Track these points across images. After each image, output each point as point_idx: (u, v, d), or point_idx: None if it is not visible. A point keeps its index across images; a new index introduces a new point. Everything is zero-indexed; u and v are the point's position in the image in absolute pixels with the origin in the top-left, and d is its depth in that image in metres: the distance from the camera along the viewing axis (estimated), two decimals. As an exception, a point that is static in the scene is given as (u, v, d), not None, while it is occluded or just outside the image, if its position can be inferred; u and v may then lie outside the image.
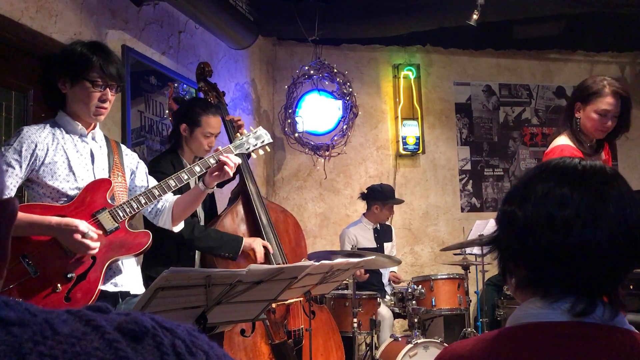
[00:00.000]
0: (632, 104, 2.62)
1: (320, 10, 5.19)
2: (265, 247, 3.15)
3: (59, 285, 2.05)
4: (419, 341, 3.95)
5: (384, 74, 6.29)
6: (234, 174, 2.76)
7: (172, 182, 2.33)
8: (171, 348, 0.46)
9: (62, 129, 2.25)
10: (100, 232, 2.14)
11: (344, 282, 3.90)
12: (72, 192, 2.17)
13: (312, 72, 5.88)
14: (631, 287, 3.82)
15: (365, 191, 5.08)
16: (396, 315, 4.70)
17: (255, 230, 3.25)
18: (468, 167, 6.41)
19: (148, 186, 2.45)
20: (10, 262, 1.98)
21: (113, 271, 2.23)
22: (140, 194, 2.26)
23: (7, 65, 3.02)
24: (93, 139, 2.32)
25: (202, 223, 3.23)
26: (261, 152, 2.69)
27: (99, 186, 2.21)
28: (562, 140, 2.64)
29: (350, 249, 4.61)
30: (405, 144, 6.09)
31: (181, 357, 0.46)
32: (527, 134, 6.57)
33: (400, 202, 5.22)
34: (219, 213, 3.39)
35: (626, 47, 6.64)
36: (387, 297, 4.79)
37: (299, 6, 5.17)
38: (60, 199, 2.16)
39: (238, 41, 4.84)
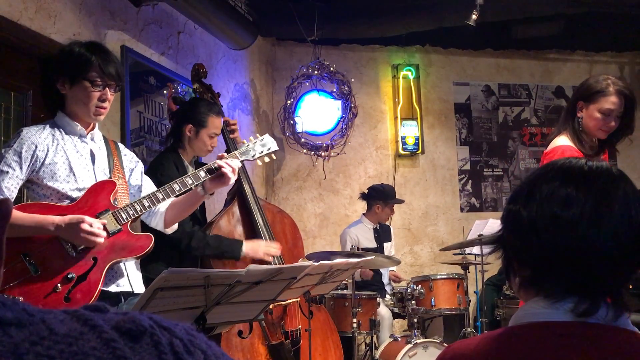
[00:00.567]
0: (635, 103, 2.61)
1: (320, 11, 5.19)
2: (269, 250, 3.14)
3: (59, 285, 2.04)
4: (418, 341, 3.95)
5: (383, 74, 6.29)
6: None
7: (176, 187, 2.32)
8: (169, 347, 0.46)
9: (61, 129, 2.24)
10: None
11: (344, 282, 3.90)
12: (72, 193, 2.17)
13: (311, 72, 5.88)
14: (631, 287, 3.82)
15: (366, 191, 5.08)
16: (396, 316, 4.70)
17: (251, 231, 3.24)
18: (467, 167, 6.41)
19: (142, 185, 2.44)
20: (12, 260, 2.00)
21: (115, 272, 2.22)
22: (145, 197, 2.25)
23: (6, 66, 3.01)
24: (92, 139, 2.31)
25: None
26: (266, 159, 2.64)
27: (102, 188, 2.20)
28: (563, 141, 2.61)
29: (351, 249, 4.61)
30: (404, 144, 6.09)
31: (179, 356, 0.46)
32: (526, 134, 6.58)
33: (401, 202, 5.24)
34: (213, 216, 3.38)
35: (625, 47, 6.65)
36: (387, 297, 4.79)
37: (298, 6, 5.16)
38: (62, 201, 2.15)
39: (237, 41, 4.84)
